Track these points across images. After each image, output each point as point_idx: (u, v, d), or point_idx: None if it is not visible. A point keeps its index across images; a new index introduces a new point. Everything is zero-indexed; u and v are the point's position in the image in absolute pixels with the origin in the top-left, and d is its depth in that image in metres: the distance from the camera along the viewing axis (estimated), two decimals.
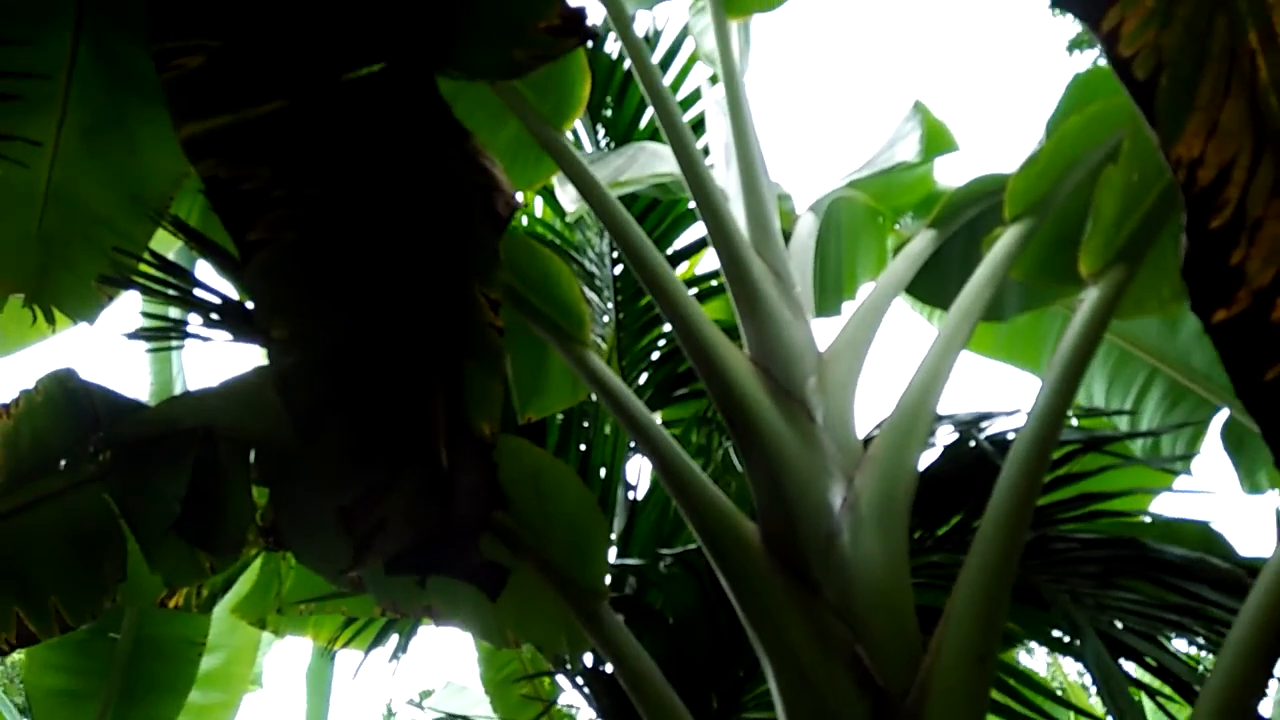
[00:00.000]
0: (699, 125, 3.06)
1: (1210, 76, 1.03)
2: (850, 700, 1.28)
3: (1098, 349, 1.49)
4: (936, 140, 3.00)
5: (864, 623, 1.34)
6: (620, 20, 2.12)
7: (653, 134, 3.42)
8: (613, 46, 3.63)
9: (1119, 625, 1.93)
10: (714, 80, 2.17)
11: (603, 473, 2.75)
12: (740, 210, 2.01)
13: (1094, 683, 1.75)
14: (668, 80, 3.64)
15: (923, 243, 2.16)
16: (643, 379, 3.73)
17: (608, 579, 1.67)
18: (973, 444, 1.98)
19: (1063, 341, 1.49)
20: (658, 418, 3.11)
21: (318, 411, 1.68)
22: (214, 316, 2.28)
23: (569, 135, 4.08)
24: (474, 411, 1.73)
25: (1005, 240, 1.90)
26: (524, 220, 4.09)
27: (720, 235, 1.83)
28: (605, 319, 4.11)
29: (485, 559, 1.90)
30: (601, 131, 3.87)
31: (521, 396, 2.21)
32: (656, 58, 3.58)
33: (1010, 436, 2.27)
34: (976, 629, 1.27)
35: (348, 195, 1.58)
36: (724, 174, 2.19)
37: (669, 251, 3.68)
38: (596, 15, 3.55)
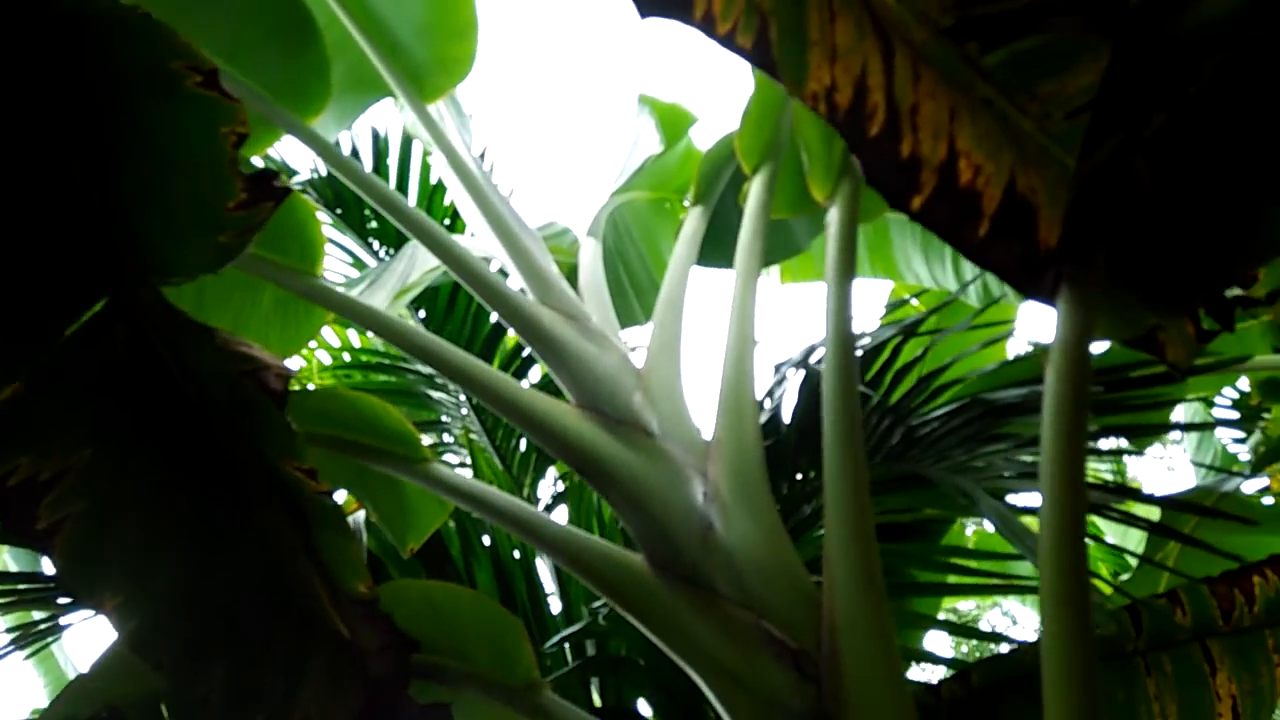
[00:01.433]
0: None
1: (813, 9, 1.10)
2: (774, 673, 1.32)
3: (856, 257, 1.57)
4: (673, 122, 3.10)
5: (762, 599, 1.38)
6: (328, 153, 2.12)
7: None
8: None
9: (1006, 475, 2.04)
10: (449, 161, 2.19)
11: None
12: (512, 270, 2.04)
13: (1001, 532, 1.85)
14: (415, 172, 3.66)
15: (694, 221, 2.23)
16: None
17: (535, 671, 1.66)
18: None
19: (826, 264, 1.57)
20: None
21: (187, 655, 1.61)
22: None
23: (346, 255, 4.07)
24: (345, 576, 1.69)
25: (754, 193, 1.98)
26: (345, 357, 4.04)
27: (499, 303, 1.85)
28: (464, 411, 4.08)
29: (423, 705, 1.87)
30: (376, 244, 3.85)
31: (396, 533, 2.18)
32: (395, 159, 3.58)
33: None
34: (854, 554, 1.32)
35: (124, 442, 1.53)
36: (487, 243, 2.21)
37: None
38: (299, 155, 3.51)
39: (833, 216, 1.63)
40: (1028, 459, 2.08)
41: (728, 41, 1.02)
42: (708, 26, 1.02)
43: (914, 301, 3.70)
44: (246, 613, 1.69)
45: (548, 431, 1.64)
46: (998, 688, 1.76)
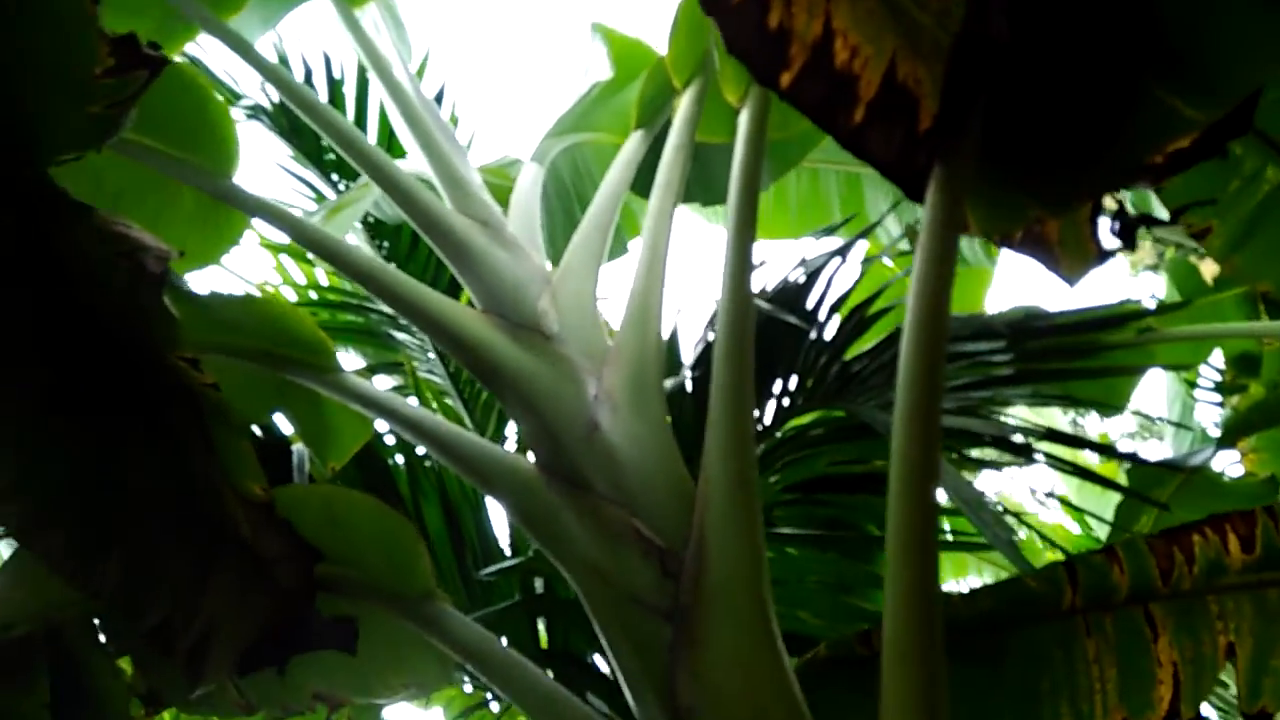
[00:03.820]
0: None
1: None
2: (638, 570, 1.29)
3: (761, 168, 1.52)
4: (632, 58, 3.03)
5: (637, 498, 1.35)
6: (271, 73, 2.07)
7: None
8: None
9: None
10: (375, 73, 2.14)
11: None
12: (435, 179, 2.00)
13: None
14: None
15: (632, 145, 2.19)
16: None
17: (430, 581, 1.63)
18: None
19: (732, 171, 1.52)
20: None
21: (77, 549, 1.59)
22: None
23: (309, 190, 4.01)
24: (240, 476, 1.67)
25: (681, 108, 1.93)
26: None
27: (413, 209, 1.81)
28: (430, 355, 4.04)
29: (328, 619, 1.84)
30: (336, 176, 3.79)
31: (319, 451, 2.15)
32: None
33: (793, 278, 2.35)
34: (729, 456, 1.29)
35: (10, 335, 1.49)
36: (415, 159, 2.16)
37: None
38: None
39: (742, 119, 1.58)
40: (975, 393, 2.05)
41: None
42: None
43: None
44: (141, 509, 1.66)
45: (447, 332, 1.61)
46: None
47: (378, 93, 2.18)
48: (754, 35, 1.05)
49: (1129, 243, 1.38)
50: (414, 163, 2.24)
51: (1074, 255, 1.34)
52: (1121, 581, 1.90)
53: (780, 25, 1.06)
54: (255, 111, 3.28)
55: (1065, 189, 1.17)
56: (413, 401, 3.07)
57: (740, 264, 1.42)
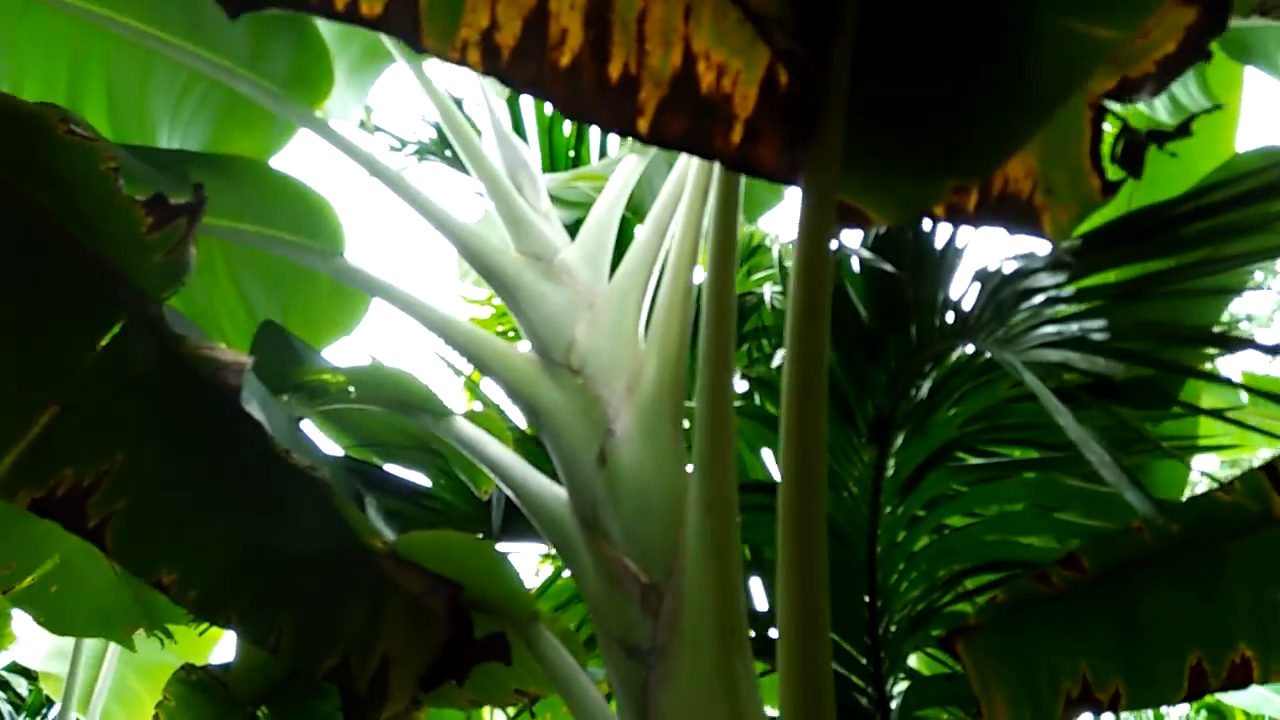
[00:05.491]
0: None
1: None
2: (625, 608, 1.32)
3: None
4: None
5: (634, 532, 1.38)
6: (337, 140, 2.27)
7: None
8: None
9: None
10: None
11: None
12: (498, 219, 2.10)
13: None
14: None
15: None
16: None
17: (533, 606, 1.77)
18: None
19: (709, 209, 1.48)
20: None
21: (251, 610, 1.87)
22: None
23: None
24: (363, 536, 1.88)
25: None
26: None
27: (469, 253, 1.92)
28: None
29: (481, 638, 2.04)
30: None
31: (312, 333, 2.42)
32: None
33: None
34: (704, 483, 1.27)
35: (156, 441, 1.78)
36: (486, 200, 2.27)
37: None
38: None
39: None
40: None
41: (350, 16, 0.98)
42: (324, 7, 0.98)
43: None
44: (302, 574, 1.92)
45: (497, 374, 1.71)
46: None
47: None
48: (594, 94, 1.03)
49: (1136, 167, 1.22)
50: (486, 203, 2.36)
51: (1065, 202, 1.21)
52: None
53: (624, 74, 1.04)
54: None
55: (986, 145, 1.06)
56: None
57: (720, 281, 1.37)
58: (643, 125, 1.06)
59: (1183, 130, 1.15)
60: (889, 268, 2.12)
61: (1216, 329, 2.91)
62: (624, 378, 1.61)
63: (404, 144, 3.48)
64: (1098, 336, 1.65)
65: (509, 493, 1.72)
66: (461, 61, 0.98)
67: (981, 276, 1.90)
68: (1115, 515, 2.06)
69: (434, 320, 1.91)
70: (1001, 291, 1.89)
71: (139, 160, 2.13)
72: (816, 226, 0.97)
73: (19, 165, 1.54)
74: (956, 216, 1.15)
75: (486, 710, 3.30)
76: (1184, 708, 5.01)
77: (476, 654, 2.04)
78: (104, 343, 1.76)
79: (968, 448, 2.33)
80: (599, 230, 2.08)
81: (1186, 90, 3.15)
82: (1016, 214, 1.16)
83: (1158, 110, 2.96)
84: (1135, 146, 1.21)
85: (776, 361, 2.35)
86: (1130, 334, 1.89)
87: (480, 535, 2.28)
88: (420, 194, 2.09)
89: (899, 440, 2.27)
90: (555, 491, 1.62)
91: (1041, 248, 1.79)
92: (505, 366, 1.70)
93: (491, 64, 0.99)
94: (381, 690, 2.02)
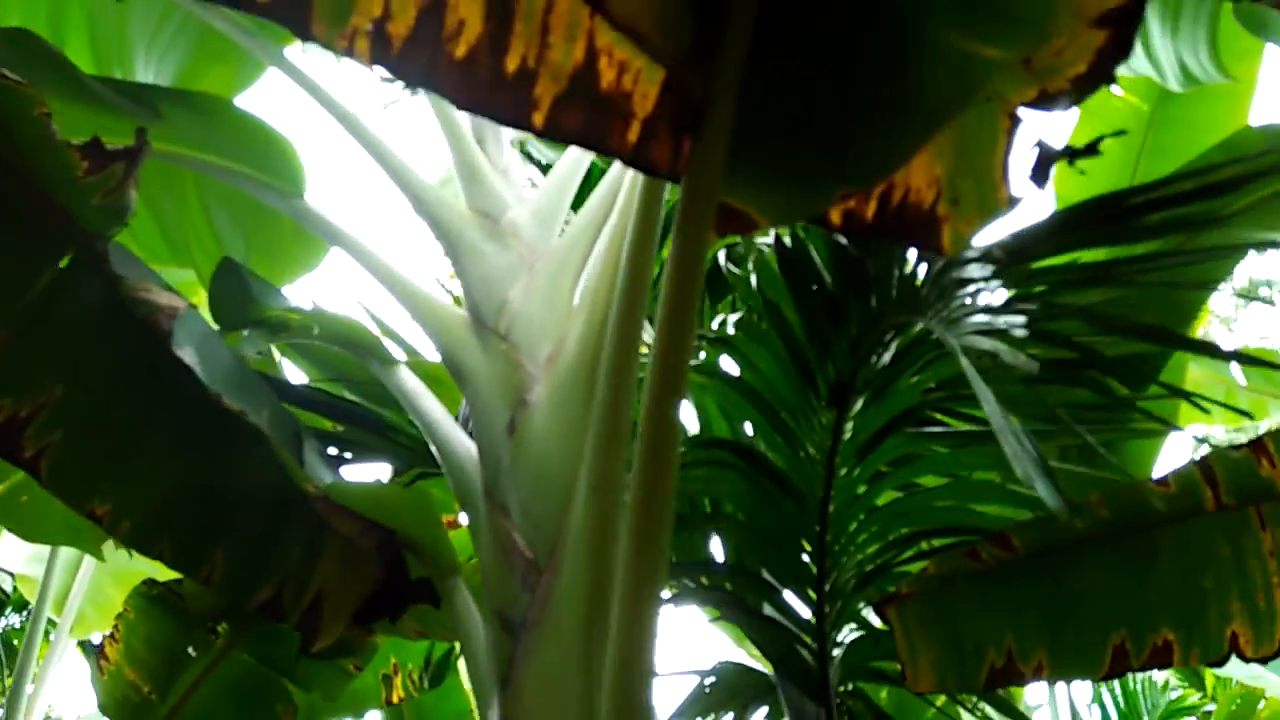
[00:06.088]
0: None
1: None
2: (508, 584, 1.35)
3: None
4: None
5: (529, 506, 1.40)
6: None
7: None
8: None
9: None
10: None
11: None
12: (454, 173, 2.09)
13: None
14: None
15: None
16: None
17: (455, 556, 1.82)
18: None
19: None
20: None
21: (185, 544, 1.92)
22: None
23: None
24: (298, 480, 1.92)
25: None
26: None
27: (420, 207, 1.92)
28: None
29: (414, 580, 2.10)
30: None
31: (272, 270, 2.45)
32: None
33: None
34: (595, 462, 1.27)
35: (96, 377, 1.81)
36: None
37: None
38: None
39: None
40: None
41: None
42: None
43: None
44: (237, 513, 1.97)
45: (430, 332, 1.73)
46: None
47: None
48: (488, 87, 1.03)
49: (1044, 180, 1.22)
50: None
51: (969, 213, 1.20)
52: (1271, 474, 1.82)
53: (522, 67, 1.04)
54: None
55: (874, 154, 1.06)
56: None
57: (638, 252, 1.35)
58: (538, 119, 1.05)
59: (1091, 150, 1.15)
60: (842, 239, 2.12)
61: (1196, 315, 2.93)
62: (550, 345, 1.62)
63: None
64: (1019, 332, 1.67)
65: (434, 449, 1.75)
66: (349, 52, 0.97)
67: (926, 258, 1.91)
68: (1073, 489, 2.08)
69: (379, 270, 1.92)
70: (943, 276, 1.90)
71: (114, 93, 2.12)
72: (693, 227, 0.98)
73: None
74: (853, 226, 1.15)
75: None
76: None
77: (409, 596, 2.10)
78: (50, 277, 1.79)
79: (928, 416, 2.36)
80: (556, 188, 2.06)
81: (1196, 59, 3.09)
82: (916, 225, 1.16)
83: (1168, 79, 2.92)
84: (1045, 160, 1.20)
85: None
86: (1063, 322, 1.91)
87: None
88: (377, 141, 2.08)
89: (858, 405, 2.29)
90: (473, 458, 1.65)
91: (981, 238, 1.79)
92: (440, 326, 1.72)
93: (381, 54, 0.98)
94: (314, 623, 2.09)
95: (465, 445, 1.70)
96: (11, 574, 4.50)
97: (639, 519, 0.94)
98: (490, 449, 1.52)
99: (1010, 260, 1.66)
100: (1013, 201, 1.22)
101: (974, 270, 1.81)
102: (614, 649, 0.93)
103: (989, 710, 2.63)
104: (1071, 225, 2.05)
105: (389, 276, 1.90)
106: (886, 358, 2.26)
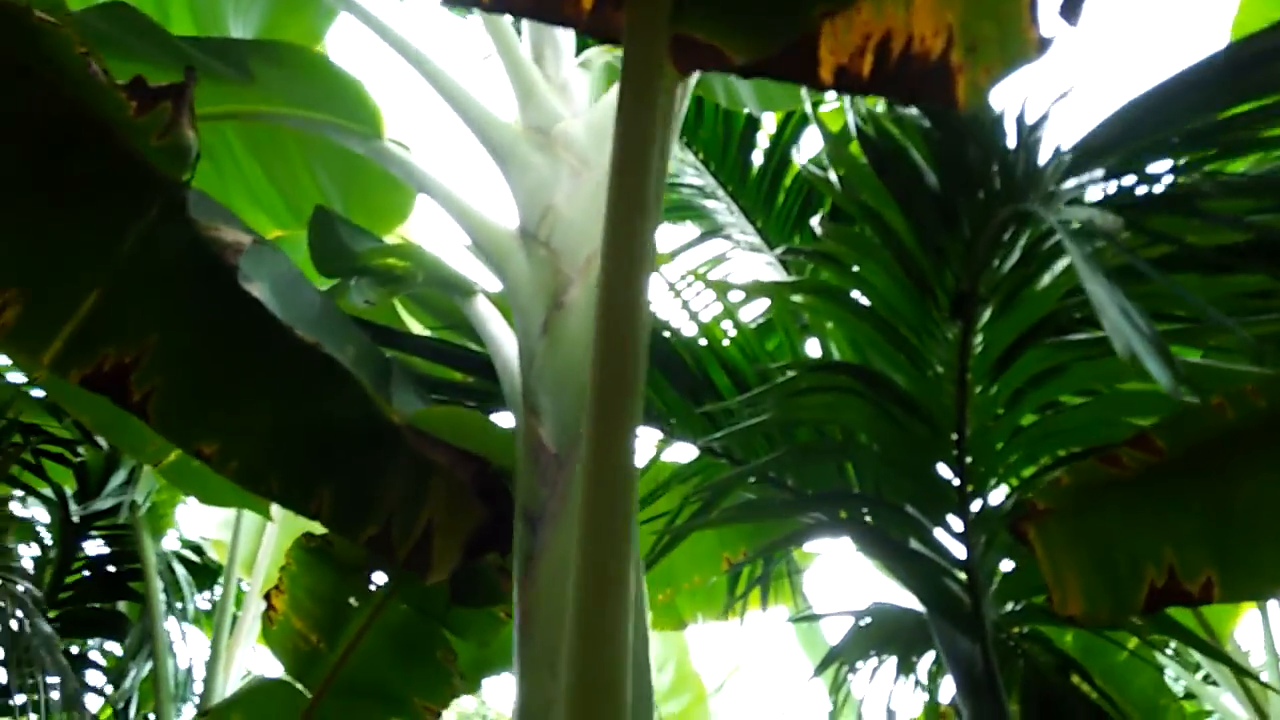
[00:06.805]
0: None
1: None
2: (530, 475, 1.29)
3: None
4: None
5: (560, 402, 1.34)
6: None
7: None
8: None
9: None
10: None
11: None
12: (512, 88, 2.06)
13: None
14: None
15: None
16: None
17: None
18: None
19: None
20: None
21: (293, 481, 1.99)
22: None
23: None
24: (382, 407, 1.95)
25: None
26: None
27: (469, 121, 1.90)
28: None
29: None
30: None
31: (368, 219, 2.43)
32: None
33: None
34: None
35: (191, 322, 1.89)
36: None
37: None
38: None
39: None
40: None
41: None
42: None
43: None
44: (337, 439, 2.02)
45: (479, 244, 1.70)
46: None
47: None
48: None
49: (1075, 16, 1.04)
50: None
51: (989, 61, 1.04)
52: None
53: None
54: None
55: None
56: None
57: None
58: None
59: None
60: (927, 123, 1.93)
61: None
62: (590, 247, 1.56)
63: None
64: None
65: (498, 370, 1.73)
66: None
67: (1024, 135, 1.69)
68: None
69: (439, 194, 1.92)
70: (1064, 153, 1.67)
71: (203, 54, 2.21)
72: (642, 64, 0.88)
73: (32, 59, 1.63)
74: (846, 83, 1.00)
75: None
76: None
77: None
78: (140, 230, 1.88)
79: (1069, 322, 2.11)
80: (614, 101, 1.99)
81: None
82: (923, 78, 1.00)
83: None
84: None
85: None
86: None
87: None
88: (432, 64, 2.06)
89: (985, 315, 2.09)
90: (516, 363, 1.62)
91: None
92: (489, 241, 1.69)
93: None
94: (425, 558, 2.12)
95: (513, 353, 1.67)
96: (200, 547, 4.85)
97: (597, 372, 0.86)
98: (527, 350, 1.49)
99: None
100: (1043, 44, 1.04)
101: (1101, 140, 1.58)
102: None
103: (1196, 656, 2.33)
104: (1245, 65, 1.67)
105: (449, 201, 1.89)
106: (1011, 260, 2.05)
